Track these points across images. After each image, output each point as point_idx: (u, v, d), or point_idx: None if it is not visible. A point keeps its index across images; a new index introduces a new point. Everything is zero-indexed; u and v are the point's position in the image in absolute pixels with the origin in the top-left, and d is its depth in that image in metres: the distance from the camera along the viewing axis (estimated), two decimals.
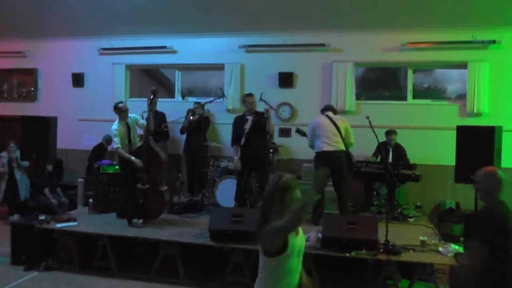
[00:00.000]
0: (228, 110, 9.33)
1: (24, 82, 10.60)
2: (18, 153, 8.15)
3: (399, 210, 7.57)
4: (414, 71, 9.02)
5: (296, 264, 2.83)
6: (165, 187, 6.91)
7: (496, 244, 3.35)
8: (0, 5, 9.34)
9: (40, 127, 6.93)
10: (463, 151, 6.12)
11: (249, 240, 5.61)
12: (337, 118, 6.98)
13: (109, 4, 8.98)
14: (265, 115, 6.88)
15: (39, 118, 7.14)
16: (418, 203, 8.22)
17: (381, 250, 5.41)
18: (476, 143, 6.13)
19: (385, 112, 8.61)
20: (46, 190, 8.43)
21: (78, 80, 10.19)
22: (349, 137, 6.87)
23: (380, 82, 9.87)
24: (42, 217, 6.53)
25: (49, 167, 8.71)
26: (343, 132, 6.78)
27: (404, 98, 9.00)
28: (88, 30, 9.75)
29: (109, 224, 6.66)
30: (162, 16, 9.01)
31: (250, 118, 7.10)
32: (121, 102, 7.04)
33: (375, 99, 9.35)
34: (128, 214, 6.67)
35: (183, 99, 9.92)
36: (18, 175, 8.57)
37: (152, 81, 11.06)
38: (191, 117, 8.49)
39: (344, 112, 8.52)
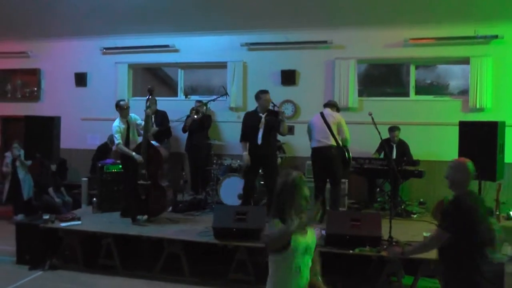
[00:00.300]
0: (231, 108, 9.35)
1: (27, 82, 10.64)
2: (22, 152, 8.18)
3: (402, 207, 7.57)
4: (417, 67, 9.00)
5: (303, 263, 2.85)
6: (167, 183, 6.94)
7: (463, 234, 3.38)
8: (2, 6, 9.38)
9: (43, 127, 6.97)
10: (466, 146, 6.10)
11: (253, 238, 5.68)
12: (330, 115, 7.03)
13: (111, 3, 9.00)
14: (280, 117, 6.87)
15: (43, 118, 7.17)
16: (422, 199, 8.22)
17: (385, 246, 5.41)
18: (479, 139, 6.11)
19: (387, 109, 8.60)
20: (50, 190, 8.45)
21: (81, 79, 10.21)
22: (342, 133, 6.92)
23: (382, 79, 9.87)
24: (46, 217, 6.58)
25: (53, 167, 8.73)
26: (334, 128, 6.86)
27: (406, 94, 8.98)
28: (90, 29, 9.77)
29: (113, 223, 6.70)
30: (164, 15, 9.02)
31: (263, 116, 6.99)
32: (122, 100, 7.11)
33: (377, 95, 9.33)
34: (132, 212, 6.70)
35: (186, 97, 9.92)
36: (21, 174, 8.59)
37: (155, 80, 11.07)
38: (195, 116, 8.49)
39: (347, 109, 8.51)
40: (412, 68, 8.92)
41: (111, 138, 9.02)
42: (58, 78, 10.40)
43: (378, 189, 8.26)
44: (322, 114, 7.05)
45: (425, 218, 7.17)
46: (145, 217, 6.70)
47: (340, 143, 6.91)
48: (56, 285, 5.77)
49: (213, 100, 8.70)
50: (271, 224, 2.87)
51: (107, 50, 10.01)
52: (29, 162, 8.50)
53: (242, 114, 8.82)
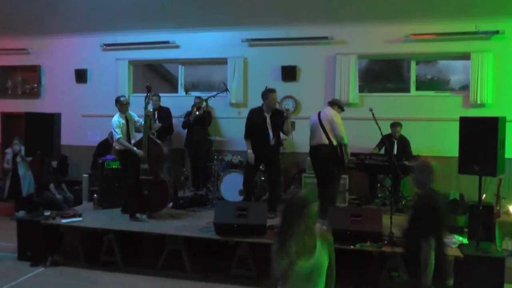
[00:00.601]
0: (232, 104, 9.34)
1: (27, 79, 10.63)
2: (22, 148, 8.18)
3: (403, 202, 7.58)
4: (417, 63, 8.99)
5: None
6: (168, 177, 6.95)
7: (430, 232, 3.60)
8: (3, 3, 9.36)
9: (44, 123, 6.94)
10: (467, 142, 6.08)
11: (254, 234, 5.68)
12: (324, 112, 6.97)
13: (111, 0, 8.98)
14: (285, 115, 6.83)
15: (43, 114, 7.14)
16: None
17: (386, 242, 5.43)
18: (480, 134, 6.09)
19: (388, 104, 8.60)
20: (51, 186, 8.45)
21: (81, 76, 10.20)
22: (335, 129, 6.78)
23: (383, 74, 9.86)
24: (47, 213, 6.59)
25: (54, 163, 8.75)
26: (326, 126, 6.80)
27: (407, 90, 8.97)
28: (90, 26, 9.75)
29: (114, 219, 6.71)
30: (164, 11, 9.00)
31: (268, 116, 6.94)
32: (122, 96, 7.14)
33: (378, 91, 9.33)
34: (131, 208, 6.71)
35: (186, 93, 9.92)
36: (21, 170, 8.58)
37: (155, 76, 11.07)
38: (197, 112, 8.49)
39: (348, 105, 8.47)
40: (413, 64, 8.91)
41: (111, 134, 9.03)
42: (58, 74, 10.39)
43: (379, 185, 8.27)
44: (319, 113, 7.01)
45: None
46: (145, 216, 6.69)
47: (333, 141, 6.79)
48: (58, 282, 5.79)
49: (214, 96, 8.69)
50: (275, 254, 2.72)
51: (108, 47, 10.00)
52: (29, 158, 8.50)
53: (242, 110, 8.89)
